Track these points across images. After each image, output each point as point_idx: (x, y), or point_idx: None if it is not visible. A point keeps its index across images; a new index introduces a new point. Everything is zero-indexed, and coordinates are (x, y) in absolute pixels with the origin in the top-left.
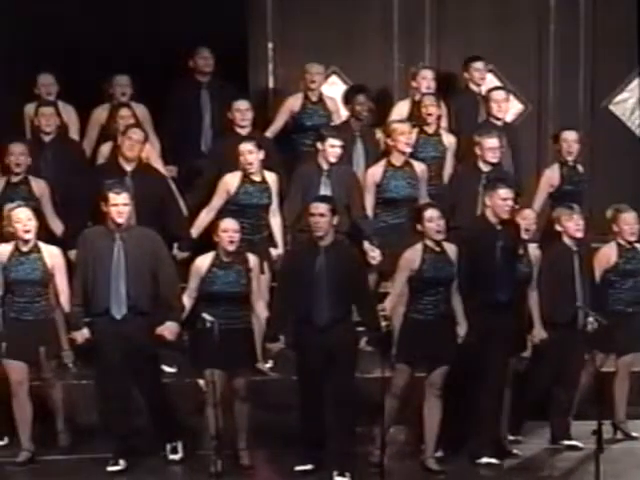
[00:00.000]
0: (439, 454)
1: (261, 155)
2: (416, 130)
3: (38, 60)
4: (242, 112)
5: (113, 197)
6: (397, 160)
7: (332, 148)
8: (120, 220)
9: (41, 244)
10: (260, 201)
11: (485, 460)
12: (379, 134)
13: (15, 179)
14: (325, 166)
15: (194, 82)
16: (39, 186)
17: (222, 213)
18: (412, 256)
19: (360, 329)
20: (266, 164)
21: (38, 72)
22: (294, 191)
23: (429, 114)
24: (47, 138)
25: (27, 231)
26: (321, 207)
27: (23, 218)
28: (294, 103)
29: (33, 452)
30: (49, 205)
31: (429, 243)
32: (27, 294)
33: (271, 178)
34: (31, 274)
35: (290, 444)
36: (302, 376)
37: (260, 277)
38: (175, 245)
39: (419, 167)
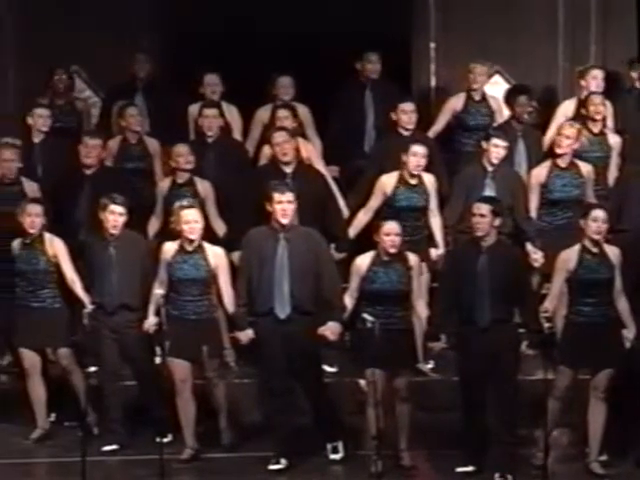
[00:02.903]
0: (604, 458)
1: (423, 161)
2: (581, 130)
3: (204, 59)
4: (408, 114)
5: (278, 196)
6: (562, 161)
7: (495, 148)
8: (284, 220)
9: (205, 244)
10: (416, 203)
11: None
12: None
13: (181, 180)
14: (489, 167)
15: (359, 83)
16: (204, 187)
17: (380, 214)
18: (568, 257)
19: (522, 331)
20: (430, 165)
21: (204, 72)
22: (457, 192)
23: (597, 113)
24: (210, 139)
25: (193, 232)
26: (483, 208)
27: (191, 220)
28: (456, 103)
29: (197, 450)
30: (213, 206)
31: (587, 244)
32: (190, 293)
33: (428, 179)
34: (194, 273)
35: (451, 445)
36: (464, 377)
37: (420, 276)
38: (332, 245)
39: (585, 168)
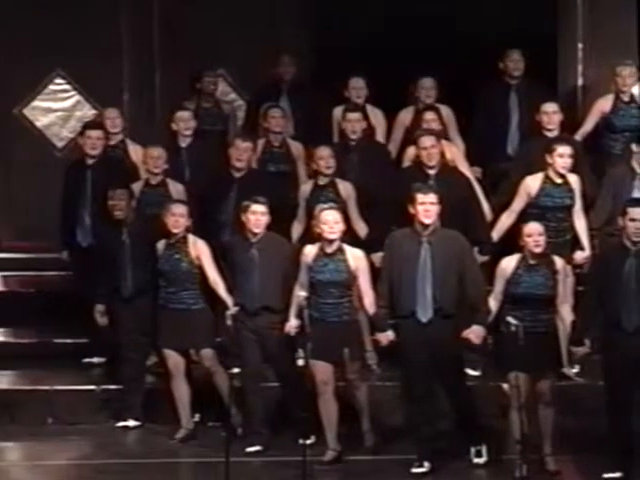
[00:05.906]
0: None
1: (570, 162)
2: None
3: (349, 61)
4: (549, 115)
5: (421, 197)
6: None
7: None
8: (427, 221)
9: (345, 246)
10: (562, 203)
11: None
12: None
13: (322, 182)
14: (639, 170)
15: (503, 84)
16: (346, 188)
17: (523, 216)
18: None
19: None
20: (575, 167)
21: (349, 75)
22: (605, 194)
23: None
24: (353, 141)
25: (332, 233)
26: None
27: (330, 220)
28: (604, 104)
29: (339, 451)
30: (354, 208)
31: None
32: (331, 296)
33: (573, 179)
34: (335, 276)
35: (598, 450)
36: (610, 381)
37: (566, 280)
38: (476, 249)
39: None
